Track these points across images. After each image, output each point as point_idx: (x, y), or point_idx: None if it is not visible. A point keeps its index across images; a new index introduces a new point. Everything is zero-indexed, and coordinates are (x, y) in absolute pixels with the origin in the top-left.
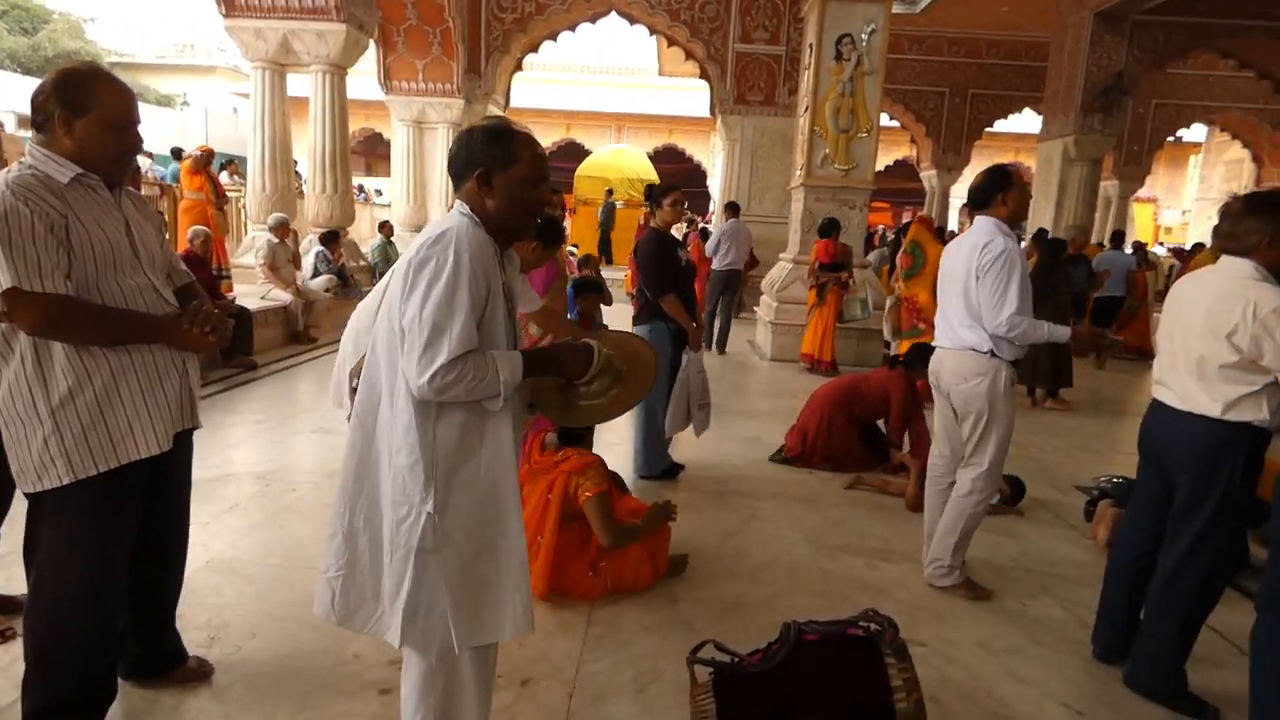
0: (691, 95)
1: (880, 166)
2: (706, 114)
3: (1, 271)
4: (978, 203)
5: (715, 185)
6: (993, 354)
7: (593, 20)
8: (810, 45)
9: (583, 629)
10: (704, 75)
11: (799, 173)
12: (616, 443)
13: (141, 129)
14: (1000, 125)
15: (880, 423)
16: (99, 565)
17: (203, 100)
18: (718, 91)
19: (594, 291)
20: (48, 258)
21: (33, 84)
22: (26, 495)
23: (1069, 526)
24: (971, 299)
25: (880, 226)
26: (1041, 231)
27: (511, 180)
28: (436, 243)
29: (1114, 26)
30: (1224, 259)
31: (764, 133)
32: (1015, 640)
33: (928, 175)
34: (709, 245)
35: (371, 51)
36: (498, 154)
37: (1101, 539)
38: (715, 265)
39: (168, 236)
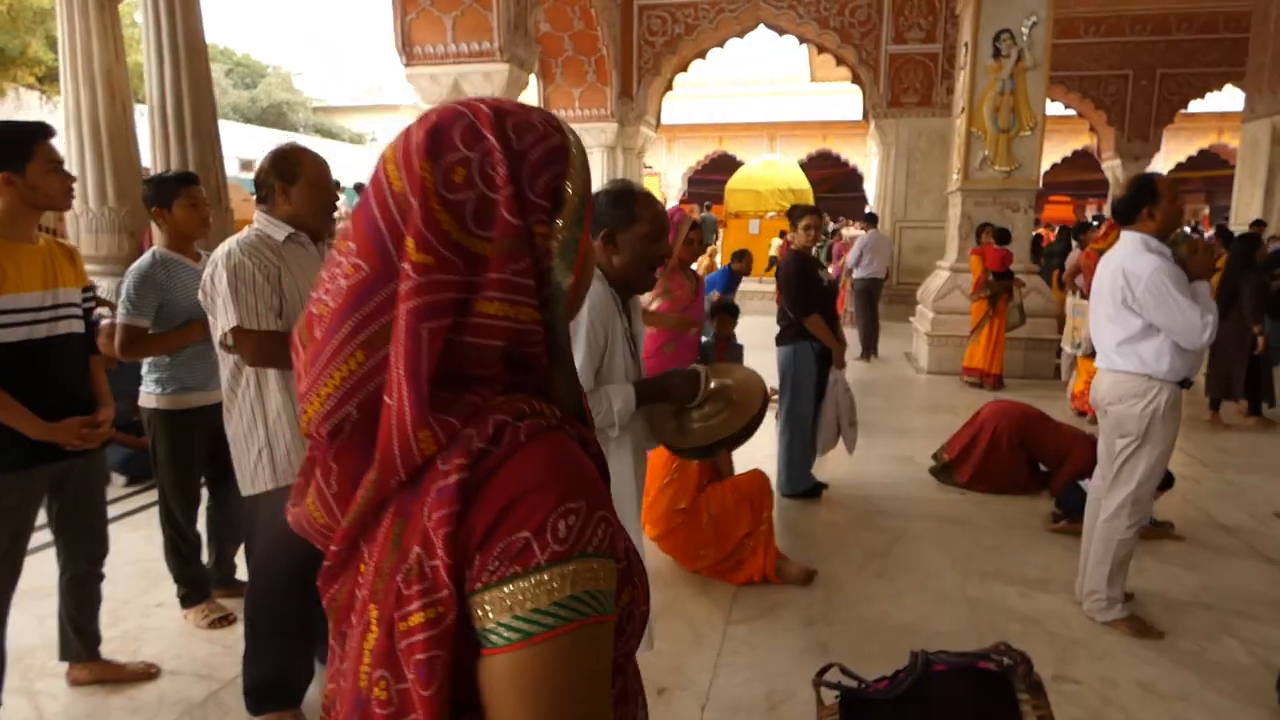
0: (844, 99)
1: (1057, 159)
2: (859, 117)
3: (230, 313)
4: (1122, 217)
5: (871, 189)
6: (1151, 376)
7: (741, 35)
8: (965, 44)
9: (718, 644)
10: (856, 80)
11: (956, 176)
12: (762, 460)
13: (331, 166)
14: (1196, 105)
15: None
16: (300, 563)
17: (388, 135)
18: (870, 95)
19: (730, 314)
20: (263, 302)
21: (250, 131)
22: (245, 498)
23: (1264, 560)
24: (1125, 323)
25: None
26: (1223, 228)
27: (634, 238)
28: None
29: None
30: None
31: (921, 134)
32: (1187, 684)
33: (1110, 166)
34: (850, 256)
35: (534, 83)
36: (621, 215)
37: None
38: (857, 274)
39: None
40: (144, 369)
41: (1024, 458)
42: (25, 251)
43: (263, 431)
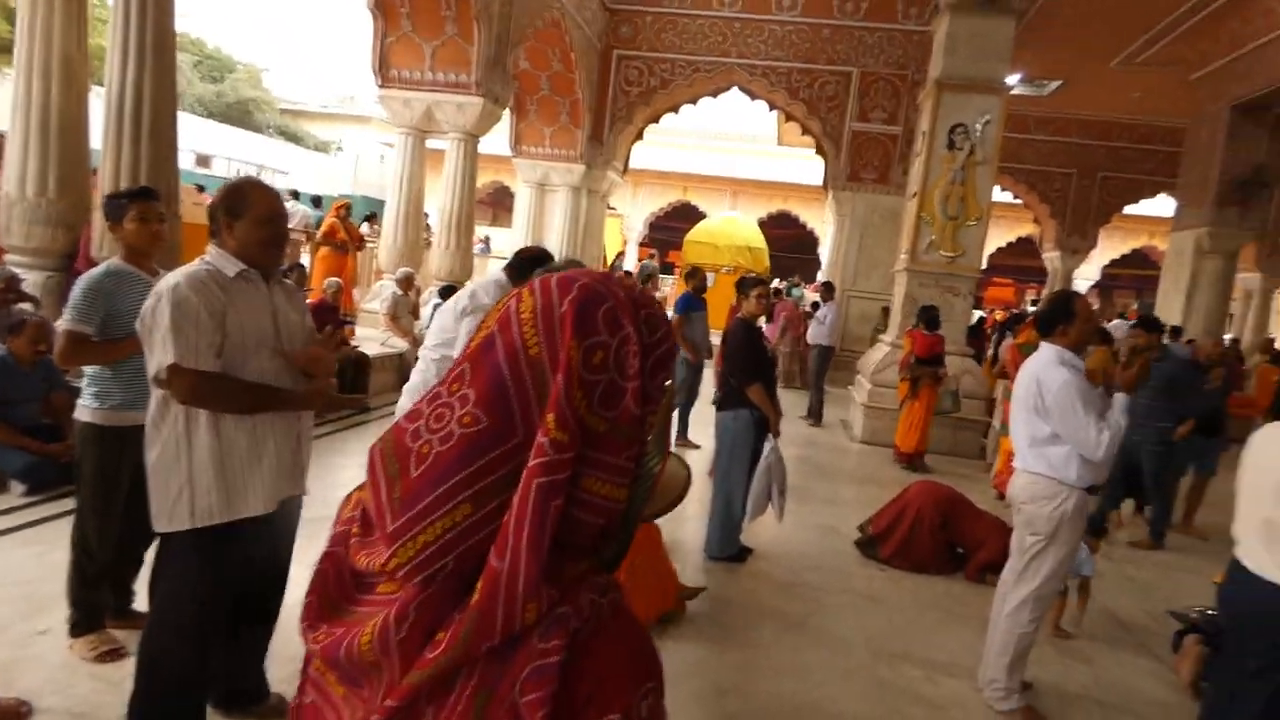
0: (806, 164)
1: (1002, 243)
2: (820, 183)
3: (169, 349)
4: (1042, 329)
5: (825, 254)
6: (1060, 480)
7: (714, 95)
8: (923, 132)
9: None
10: (820, 151)
11: (904, 256)
12: (691, 519)
13: (294, 171)
14: (1132, 208)
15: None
16: (204, 607)
17: (356, 147)
18: (831, 167)
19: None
20: (205, 340)
21: (211, 127)
22: (158, 534)
23: (1154, 658)
24: (1036, 427)
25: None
26: (1147, 317)
27: None
28: None
29: (1254, 118)
30: None
31: (875, 210)
32: None
33: (1050, 256)
34: (814, 325)
35: (506, 116)
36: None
37: (1185, 678)
38: (814, 341)
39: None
40: (84, 381)
41: (944, 540)
42: None
43: (185, 469)
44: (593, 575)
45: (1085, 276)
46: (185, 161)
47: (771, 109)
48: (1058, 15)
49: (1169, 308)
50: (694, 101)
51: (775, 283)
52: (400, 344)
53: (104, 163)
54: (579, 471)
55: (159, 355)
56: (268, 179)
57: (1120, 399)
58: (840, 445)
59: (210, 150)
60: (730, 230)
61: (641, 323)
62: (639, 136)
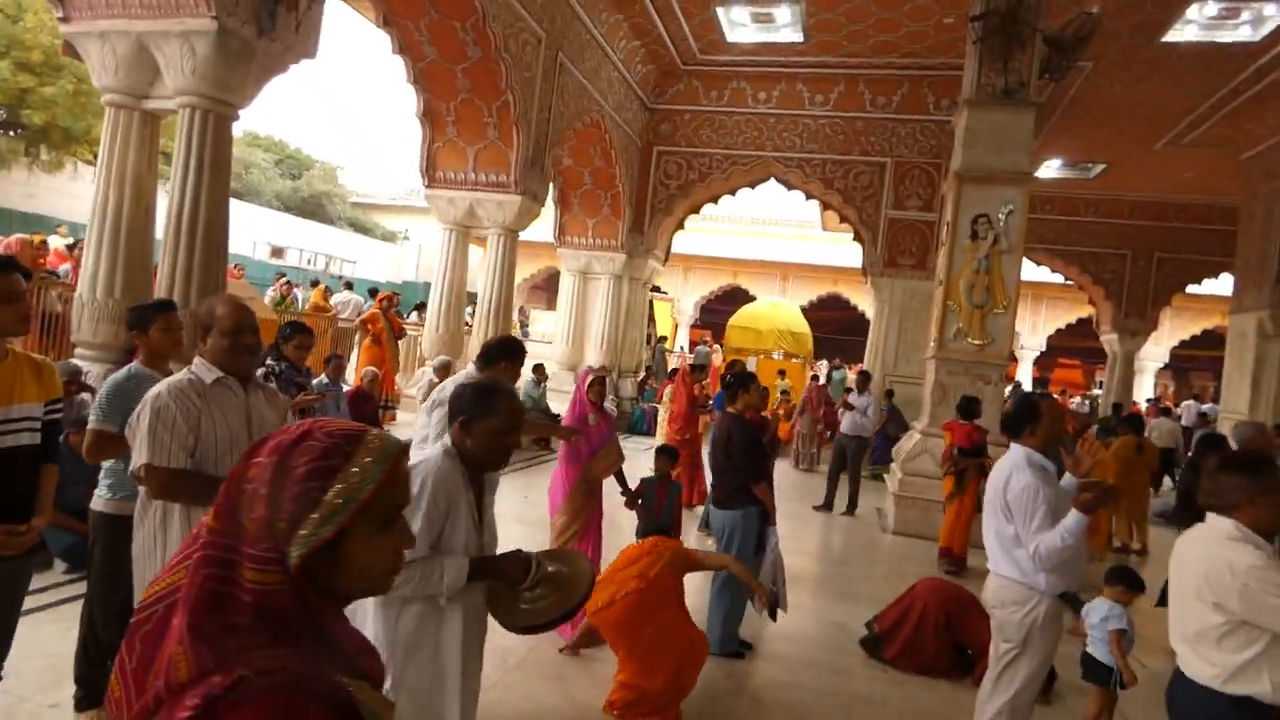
0: (853, 248)
1: (1062, 324)
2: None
3: (144, 450)
4: (1009, 432)
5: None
6: (1030, 586)
7: (752, 186)
8: (947, 223)
9: None
10: (857, 237)
11: (932, 344)
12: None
13: (362, 259)
14: (1201, 288)
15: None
16: None
17: (420, 237)
18: (869, 254)
19: (669, 457)
20: (178, 442)
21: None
22: None
23: None
24: (1004, 529)
25: (1063, 389)
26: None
27: (486, 429)
28: (411, 470)
29: None
30: (1209, 517)
31: (914, 295)
32: None
33: (1108, 339)
34: (852, 416)
35: (552, 209)
36: (480, 406)
37: None
38: (850, 431)
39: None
40: (101, 474)
41: (949, 641)
42: None
43: (160, 557)
44: (261, 654)
45: (1153, 358)
46: (260, 252)
47: (809, 198)
48: (1094, 103)
49: (1235, 393)
50: (733, 193)
51: (821, 365)
52: None
53: (162, 264)
54: (233, 560)
55: (136, 455)
56: (336, 268)
57: (1072, 520)
58: (871, 536)
59: (284, 242)
60: (773, 314)
61: (293, 454)
62: (680, 226)
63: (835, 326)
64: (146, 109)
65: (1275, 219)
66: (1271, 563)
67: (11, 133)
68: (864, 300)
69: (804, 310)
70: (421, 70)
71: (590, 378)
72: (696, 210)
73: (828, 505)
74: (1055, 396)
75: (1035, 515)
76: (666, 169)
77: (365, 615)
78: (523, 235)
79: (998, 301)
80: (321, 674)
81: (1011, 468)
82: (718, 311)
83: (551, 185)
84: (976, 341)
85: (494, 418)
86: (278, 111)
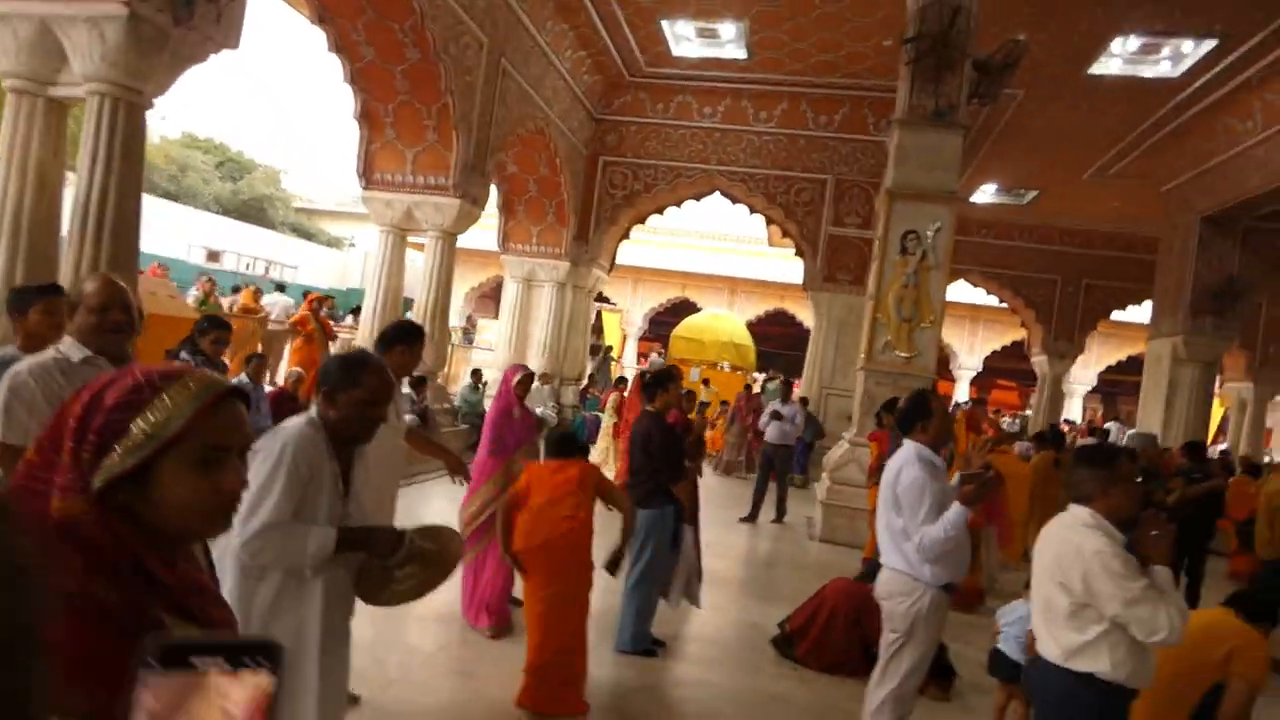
0: (800, 265)
1: (997, 346)
2: None
3: None
4: (902, 427)
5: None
6: (915, 577)
7: (697, 199)
8: (877, 238)
9: None
10: (798, 252)
11: (862, 356)
12: (603, 613)
13: (304, 265)
14: (1130, 314)
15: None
16: None
17: (365, 243)
18: (809, 269)
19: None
20: (35, 421)
21: (221, 223)
22: None
23: None
24: (892, 521)
25: (998, 410)
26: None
27: (351, 400)
28: (272, 437)
29: (1224, 230)
30: (1070, 506)
31: (851, 310)
32: None
33: (1038, 361)
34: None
35: (497, 216)
36: (345, 379)
37: None
38: (775, 441)
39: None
40: None
41: (858, 638)
42: None
43: None
44: (70, 581)
45: (1081, 381)
46: (195, 256)
47: (752, 213)
48: (1026, 130)
49: (1150, 415)
50: (678, 204)
51: (757, 378)
52: None
53: (67, 257)
54: (46, 491)
55: None
56: (277, 273)
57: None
58: (799, 543)
59: (222, 246)
60: (716, 326)
61: (106, 390)
62: (625, 235)
63: (781, 342)
64: (52, 96)
65: (1190, 249)
66: (1117, 551)
67: None
68: (809, 316)
69: (751, 325)
70: (359, 70)
71: (519, 375)
72: (642, 220)
73: (753, 517)
74: (969, 403)
75: (922, 508)
76: (612, 179)
77: (226, 584)
78: (472, 244)
79: (924, 316)
80: (134, 605)
81: (902, 462)
82: (667, 324)
83: (496, 192)
84: (904, 354)
85: (358, 389)
86: (219, 113)
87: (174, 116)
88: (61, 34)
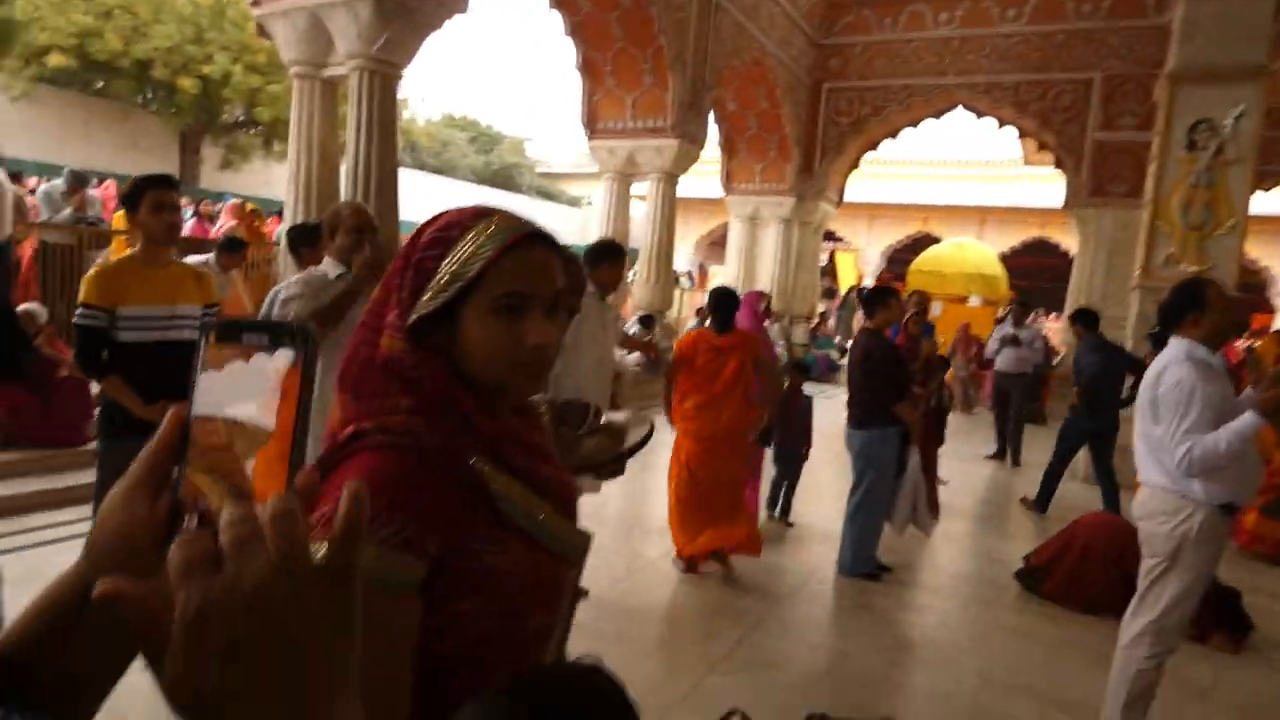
0: (1062, 186)
1: None
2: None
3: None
4: (1167, 322)
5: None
6: (1183, 494)
7: (937, 116)
8: (1157, 133)
9: (688, 692)
10: (1059, 165)
11: (1137, 272)
12: (825, 539)
13: (551, 225)
14: None
15: None
16: None
17: (601, 200)
18: (1071, 183)
19: (801, 371)
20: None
21: (477, 192)
22: None
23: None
24: (1150, 430)
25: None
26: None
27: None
28: None
29: None
30: None
31: (1126, 227)
32: None
33: None
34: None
35: (719, 155)
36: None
37: None
38: (1010, 369)
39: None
40: None
41: (1120, 576)
42: (153, 274)
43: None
44: (397, 419)
45: None
46: None
47: (1001, 125)
48: None
49: None
50: (914, 124)
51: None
52: None
53: None
54: (380, 326)
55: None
56: None
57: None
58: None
59: None
60: (960, 256)
61: (426, 228)
62: (855, 166)
63: (1046, 274)
64: (324, 77)
65: None
66: None
67: (248, 129)
68: (1074, 243)
69: (1004, 258)
70: (577, 23)
71: (764, 302)
72: (874, 146)
73: (1000, 454)
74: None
75: (1190, 414)
76: (838, 106)
77: None
78: (700, 193)
79: (1221, 220)
80: (452, 449)
81: (1167, 361)
82: (907, 262)
83: (718, 133)
84: (1193, 268)
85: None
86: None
87: (434, 100)
88: (327, 20)
